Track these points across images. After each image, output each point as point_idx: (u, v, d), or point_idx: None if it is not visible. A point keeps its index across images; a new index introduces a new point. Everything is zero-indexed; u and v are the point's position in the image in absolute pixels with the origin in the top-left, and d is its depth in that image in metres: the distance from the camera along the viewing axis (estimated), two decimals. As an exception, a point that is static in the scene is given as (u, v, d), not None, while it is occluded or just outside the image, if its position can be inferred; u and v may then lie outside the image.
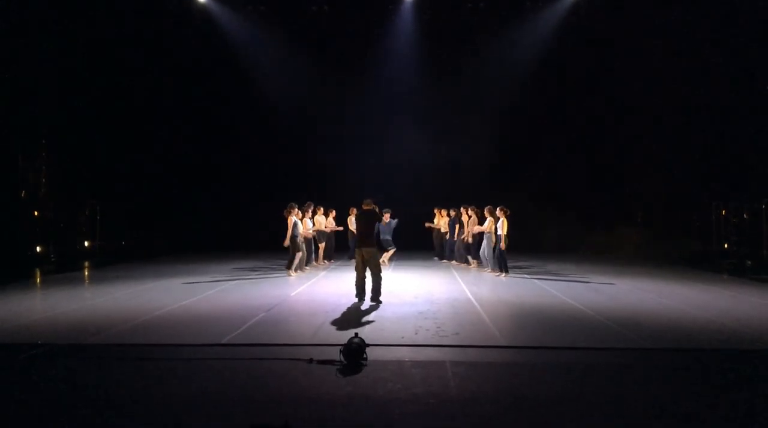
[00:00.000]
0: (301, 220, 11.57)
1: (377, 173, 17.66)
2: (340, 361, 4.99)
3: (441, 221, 14.64)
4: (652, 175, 17.46)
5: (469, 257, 13.17)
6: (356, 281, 8.32)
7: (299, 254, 11.46)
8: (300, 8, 16.34)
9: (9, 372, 5.00)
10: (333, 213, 13.84)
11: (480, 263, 12.65)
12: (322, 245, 13.33)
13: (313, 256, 12.92)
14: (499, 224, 11.09)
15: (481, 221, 12.17)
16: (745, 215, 15.22)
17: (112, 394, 4.37)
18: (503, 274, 11.22)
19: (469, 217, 12.88)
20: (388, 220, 12.64)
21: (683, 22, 15.27)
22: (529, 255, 15.72)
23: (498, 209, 11.15)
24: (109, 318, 7.09)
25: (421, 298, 8.59)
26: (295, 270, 11.42)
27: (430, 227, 15.04)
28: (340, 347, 5.10)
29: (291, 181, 17.98)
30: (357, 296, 8.28)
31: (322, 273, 11.88)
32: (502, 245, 11.04)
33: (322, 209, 13.00)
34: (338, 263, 13.86)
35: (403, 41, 17.45)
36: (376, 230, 8.61)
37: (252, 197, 18.35)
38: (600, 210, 17.88)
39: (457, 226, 13.52)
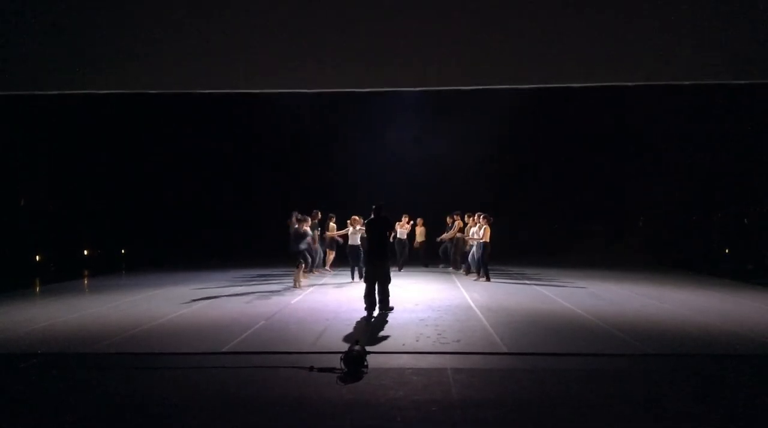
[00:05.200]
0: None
1: (372, 178, 17.68)
2: (341, 369, 4.97)
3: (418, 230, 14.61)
4: (653, 179, 17.49)
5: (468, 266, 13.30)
6: (366, 293, 7.94)
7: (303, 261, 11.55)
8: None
9: (9, 381, 4.99)
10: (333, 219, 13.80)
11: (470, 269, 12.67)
12: (332, 253, 13.41)
13: (318, 262, 13.01)
14: (482, 231, 11.40)
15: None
16: (745, 220, 15.24)
17: (112, 402, 4.36)
18: (483, 279, 11.50)
19: (465, 224, 12.96)
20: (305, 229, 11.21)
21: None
22: (528, 261, 15.70)
23: (482, 216, 11.49)
24: (110, 327, 7.08)
25: (421, 305, 8.58)
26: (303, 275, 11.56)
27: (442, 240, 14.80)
28: (341, 354, 5.09)
29: (292, 188, 18.02)
30: (367, 308, 7.87)
31: (323, 280, 11.86)
32: (480, 250, 11.50)
33: (334, 217, 12.97)
34: (338, 271, 13.82)
35: None
36: (390, 238, 8.46)
37: (253, 205, 18.38)
38: (601, 215, 17.90)
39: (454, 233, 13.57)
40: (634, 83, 6.97)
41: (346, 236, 11.91)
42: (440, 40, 6.46)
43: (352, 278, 11.53)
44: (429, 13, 6.36)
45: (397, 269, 13.14)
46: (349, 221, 11.75)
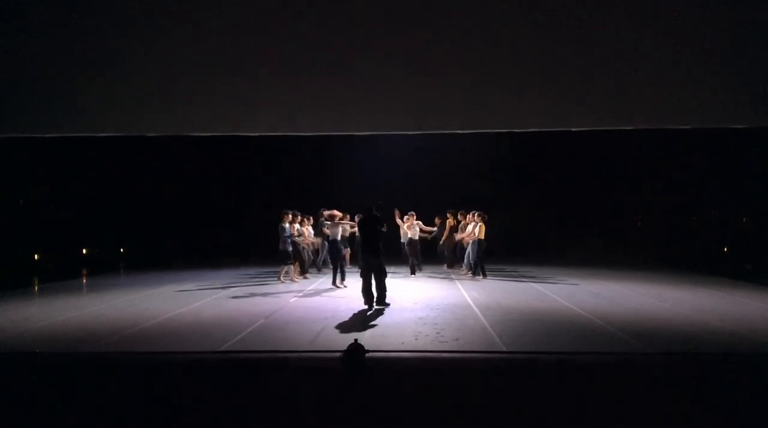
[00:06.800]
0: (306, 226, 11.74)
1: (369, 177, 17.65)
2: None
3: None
4: (652, 179, 17.50)
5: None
6: (363, 288, 8.27)
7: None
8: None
9: (8, 380, 4.99)
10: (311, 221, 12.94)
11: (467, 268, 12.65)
12: (346, 250, 13.34)
13: (320, 261, 13.05)
14: (477, 229, 11.45)
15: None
16: (743, 219, 15.25)
17: (110, 401, 4.35)
18: (479, 277, 11.55)
19: (459, 222, 13.01)
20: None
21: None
22: (528, 260, 15.71)
23: (477, 214, 11.55)
24: (108, 326, 7.07)
25: (420, 303, 8.58)
26: (300, 275, 11.57)
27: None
28: (339, 353, 5.09)
29: (287, 188, 18.00)
30: (366, 303, 8.23)
31: (321, 280, 11.86)
32: (476, 247, 11.52)
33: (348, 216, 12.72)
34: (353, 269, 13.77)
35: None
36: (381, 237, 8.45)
37: (251, 205, 18.36)
38: (600, 214, 17.90)
39: (445, 232, 13.50)
40: (633, 127, 7.05)
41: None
42: (438, 85, 6.59)
43: (334, 282, 10.58)
44: (429, 57, 6.48)
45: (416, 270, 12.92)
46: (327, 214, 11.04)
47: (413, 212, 12.90)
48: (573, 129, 6.95)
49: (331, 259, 11.05)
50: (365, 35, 6.34)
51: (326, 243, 12.76)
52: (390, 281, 8.48)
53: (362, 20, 6.26)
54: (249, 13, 6.26)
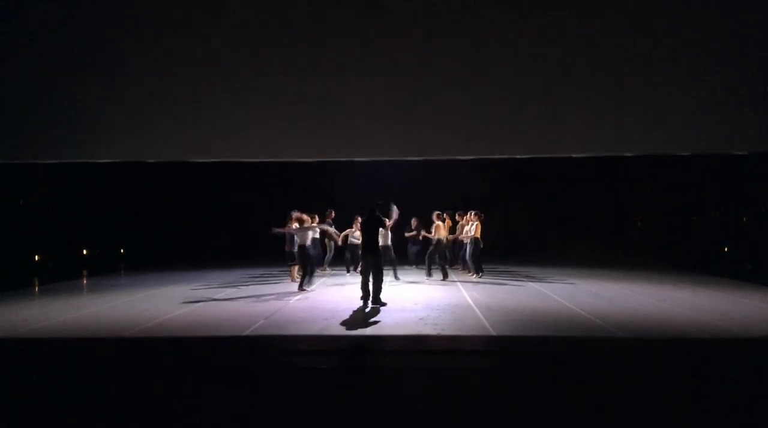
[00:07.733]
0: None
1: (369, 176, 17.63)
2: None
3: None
4: (651, 179, 17.49)
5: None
6: (362, 284, 8.54)
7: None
8: None
9: (7, 379, 4.99)
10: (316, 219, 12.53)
11: (466, 267, 12.64)
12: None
13: (328, 259, 13.18)
14: (473, 228, 11.56)
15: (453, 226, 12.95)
16: (744, 219, 15.25)
17: (111, 401, 4.36)
18: (477, 275, 11.73)
19: (452, 222, 13.01)
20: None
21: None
22: (527, 260, 15.72)
23: (473, 213, 11.68)
24: (108, 327, 7.07)
25: (421, 304, 8.58)
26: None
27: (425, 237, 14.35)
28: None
29: (285, 188, 17.99)
30: (362, 298, 8.49)
31: (322, 280, 11.85)
32: (472, 246, 11.67)
33: (358, 217, 12.49)
34: (336, 270, 13.82)
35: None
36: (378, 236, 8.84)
37: (251, 206, 18.36)
38: (600, 214, 17.91)
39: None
40: (633, 154, 7.15)
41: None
42: (440, 112, 6.66)
43: (301, 286, 10.15)
44: (426, 87, 6.57)
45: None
46: (295, 217, 10.56)
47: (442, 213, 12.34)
48: (574, 155, 7.05)
49: (300, 264, 10.57)
50: (366, 60, 6.45)
51: (332, 244, 13.01)
52: (392, 282, 8.50)
53: (364, 44, 6.36)
54: (247, 39, 6.37)
